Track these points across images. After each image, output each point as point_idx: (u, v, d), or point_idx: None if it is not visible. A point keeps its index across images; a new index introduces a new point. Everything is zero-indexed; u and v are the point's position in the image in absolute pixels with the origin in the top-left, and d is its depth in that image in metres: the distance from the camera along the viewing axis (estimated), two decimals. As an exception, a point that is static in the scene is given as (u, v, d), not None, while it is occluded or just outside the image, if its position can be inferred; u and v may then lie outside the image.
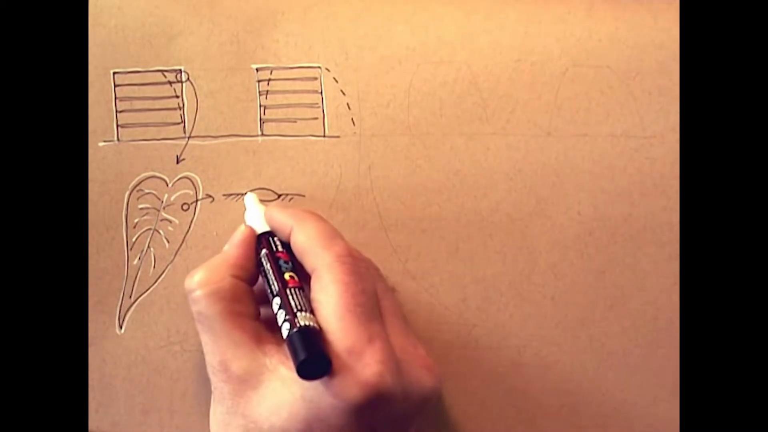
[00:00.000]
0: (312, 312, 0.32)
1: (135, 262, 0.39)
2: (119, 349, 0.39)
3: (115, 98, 0.39)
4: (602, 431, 0.39)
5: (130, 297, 0.39)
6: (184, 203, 0.39)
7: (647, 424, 0.39)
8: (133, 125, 0.39)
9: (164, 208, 0.39)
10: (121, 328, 0.39)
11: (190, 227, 0.39)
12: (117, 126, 0.39)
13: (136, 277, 0.39)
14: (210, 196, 0.39)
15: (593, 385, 0.39)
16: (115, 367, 0.39)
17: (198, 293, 0.33)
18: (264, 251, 0.35)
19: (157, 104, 0.39)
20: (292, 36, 0.39)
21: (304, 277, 0.34)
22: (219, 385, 0.33)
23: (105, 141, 0.39)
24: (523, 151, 0.39)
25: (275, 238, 0.36)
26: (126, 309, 0.39)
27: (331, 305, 0.32)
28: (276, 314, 0.32)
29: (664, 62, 0.38)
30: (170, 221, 0.39)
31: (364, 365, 0.30)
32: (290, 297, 0.32)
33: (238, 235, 0.36)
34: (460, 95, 0.39)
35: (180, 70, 0.39)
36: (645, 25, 0.39)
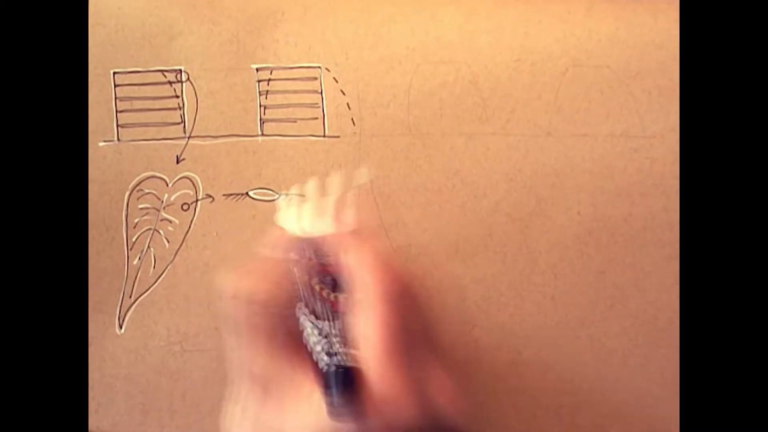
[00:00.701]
0: (349, 345, 0.31)
1: (135, 262, 0.39)
2: (119, 349, 0.39)
3: (115, 98, 0.39)
4: (602, 431, 0.39)
5: (130, 297, 0.39)
6: (184, 203, 0.39)
7: (647, 424, 0.39)
8: (133, 125, 0.39)
9: (164, 208, 0.39)
10: (121, 328, 0.39)
11: (190, 227, 0.39)
12: (117, 126, 0.39)
13: (136, 277, 0.39)
14: (210, 196, 0.39)
15: (593, 385, 0.39)
16: (115, 367, 0.39)
17: (233, 298, 0.33)
18: (301, 263, 0.34)
19: (157, 104, 0.39)
20: (292, 36, 0.39)
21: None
22: (243, 389, 0.33)
23: (105, 141, 0.39)
24: (523, 151, 0.39)
25: (313, 247, 0.35)
26: (126, 309, 0.39)
27: (373, 346, 0.31)
28: (314, 338, 0.31)
29: (664, 62, 0.38)
30: (170, 221, 0.39)
31: (396, 413, 0.30)
32: (332, 327, 0.31)
33: (273, 239, 0.35)
34: (460, 95, 0.39)
35: (180, 70, 0.39)
36: (645, 25, 0.39)
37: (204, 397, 0.38)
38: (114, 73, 0.38)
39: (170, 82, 0.39)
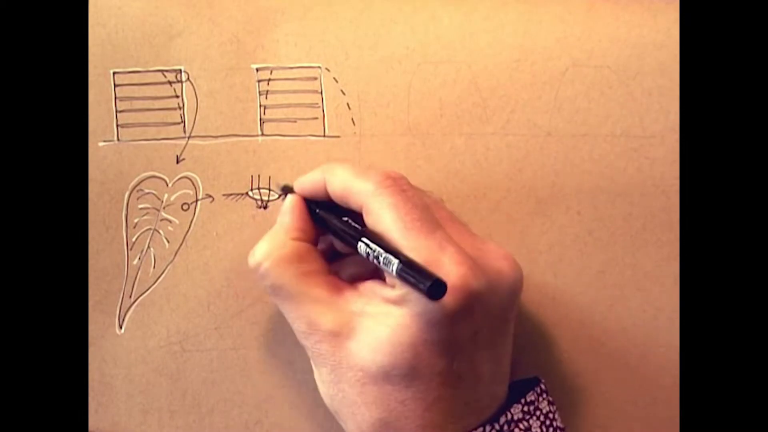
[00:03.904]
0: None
1: (135, 262, 0.39)
2: (119, 349, 0.39)
3: (115, 98, 0.39)
4: (602, 431, 0.39)
5: (130, 297, 0.39)
6: (184, 203, 0.39)
7: (647, 424, 0.39)
8: (133, 125, 0.39)
9: (164, 208, 0.39)
10: (121, 328, 0.39)
11: (190, 227, 0.39)
12: (117, 126, 0.39)
13: (136, 277, 0.39)
14: (210, 196, 0.39)
15: (593, 385, 0.39)
16: (115, 367, 0.39)
17: (265, 265, 0.33)
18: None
19: (157, 104, 0.39)
20: (292, 36, 0.39)
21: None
22: (315, 348, 0.33)
23: (105, 141, 0.39)
24: (523, 151, 0.39)
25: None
26: (126, 309, 0.39)
27: (392, 230, 0.31)
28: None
29: (664, 62, 0.38)
30: (170, 221, 0.39)
31: (445, 273, 0.30)
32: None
33: (287, 204, 0.35)
34: (460, 95, 0.39)
35: (180, 70, 0.39)
36: (645, 25, 0.39)
37: (204, 397, 0.38)
38: (114, 73, 0.38)
39: (170, 82, 0.39)
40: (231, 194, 0.39)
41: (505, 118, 0.39)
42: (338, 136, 0.39)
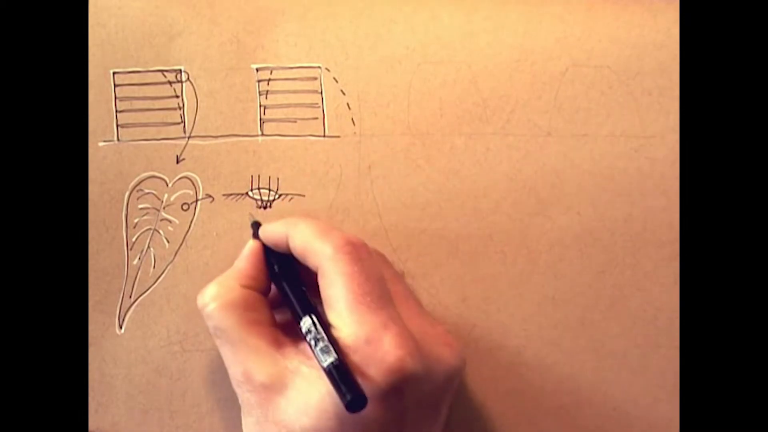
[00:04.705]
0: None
1: (135, 262, 0.39)
2: (119, 349, 0.39)
3: (115, 98, 0.39)
4: (602, 431, 0.39)
5: (130, 297, 0.39)
6: (184, 203, 0.39)
7: (647, 424, 0.39)
8: (133, 125, 0.39)
9: (164, 208, 0.39)
10: (121, 328, 0.39)
11: (190, 227, 0.39)
12: (117, 126, 0.39)
13: (136, 277, 0.39)
14: (210, 196, 0.39)
15: (593, 386, 0.39)
16: (115, 367, 0.39)
17: (211, 307, 0.33)
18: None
19: (157, 104, 0.39)
20: (292, 36, 0.39)
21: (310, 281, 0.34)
22: (245, 396, 0.33)
23: (105, 141, 0.39)
24: (523, 151, 0.39)
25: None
26: (126, 309, 0.39)
27: (341, 300, 0.31)
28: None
29: (664, 62, 0.38)
30: (170, 221, 0.39)
31: (384, 353, 0.30)
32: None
33: (247, 250, 0.36)
34: (460, 95, 0.39)
35: (180, 70, 0.39)
36: (645, 25, 0.39)
37: (204, 397, 0.38)
38: (114, 73, 0.38)
39: (170, 82, 0.39)
40: (231, 194, 0.39)
41: (505, 118, 0.39)
42: (338, 136, 0.39)
